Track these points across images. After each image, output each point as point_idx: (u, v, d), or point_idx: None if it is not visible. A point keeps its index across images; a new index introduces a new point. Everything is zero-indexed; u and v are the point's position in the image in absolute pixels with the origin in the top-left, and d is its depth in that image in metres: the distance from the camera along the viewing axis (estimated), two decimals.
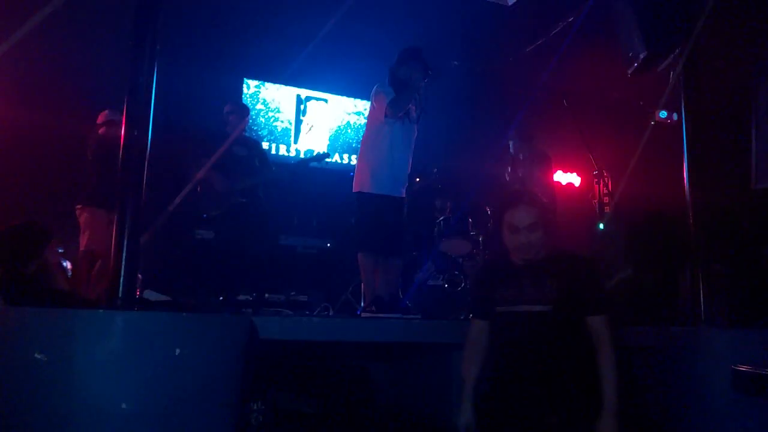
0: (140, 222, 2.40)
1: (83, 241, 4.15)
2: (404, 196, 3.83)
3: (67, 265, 4.22)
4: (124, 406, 1.95)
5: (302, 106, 6.82)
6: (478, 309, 2.48)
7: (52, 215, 4.41)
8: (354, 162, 3.76)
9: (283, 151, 6.65)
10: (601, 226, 4.65)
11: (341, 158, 6.86)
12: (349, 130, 6.96)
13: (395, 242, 3.70)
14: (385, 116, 3.62)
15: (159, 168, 2.68)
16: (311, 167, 5.11)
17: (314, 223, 5.72)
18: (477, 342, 2.40)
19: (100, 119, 4.50)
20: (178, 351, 2.02)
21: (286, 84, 6.72)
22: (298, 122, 6.78)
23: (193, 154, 4.67)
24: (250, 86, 6.60)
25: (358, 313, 3.79)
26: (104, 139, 4.29)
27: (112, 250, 2.34)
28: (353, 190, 3.74)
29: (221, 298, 3.82)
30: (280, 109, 6.70)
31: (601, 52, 5.03)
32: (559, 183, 6.67)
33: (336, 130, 6.93)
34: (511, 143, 4.96)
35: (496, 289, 2.38)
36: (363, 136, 3.93)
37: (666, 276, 4.26)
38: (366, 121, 3.96)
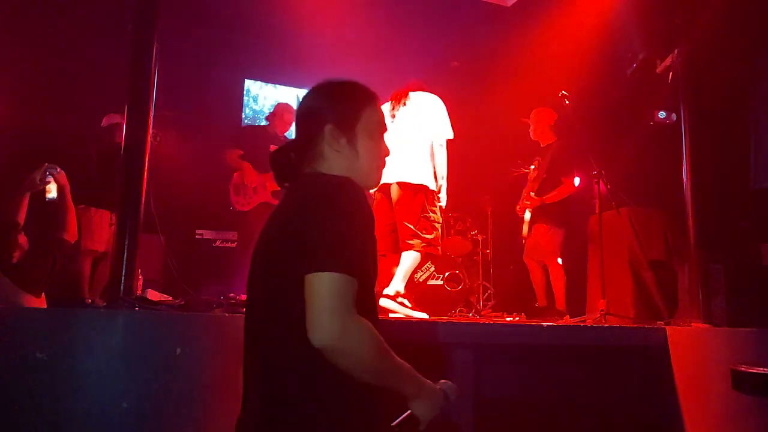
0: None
1: (85, 240, 4.15)
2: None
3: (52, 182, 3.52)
4: (124, 405, 1.95)
5: None
6: None
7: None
8: None
9: None
10: None
11: None
12: None
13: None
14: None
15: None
16: None
17: None
18: None
19: (105, 122, 4.50)
20: (178, 350, 2.03)
21: (286, 85, 6.72)
22: None
23: (229, 144, 4.62)
24: (250, 86, 6.61)
25: None
26: (115, 142, 4.30)
27: (113, 250, 2.35)
28: None
29: (221, 297, 3.82)
30: None
31: (600, 52, 5.04)
32: None
33: None
34: None
35: None
36: None
37: (666, 276, 4.27)
38: None
